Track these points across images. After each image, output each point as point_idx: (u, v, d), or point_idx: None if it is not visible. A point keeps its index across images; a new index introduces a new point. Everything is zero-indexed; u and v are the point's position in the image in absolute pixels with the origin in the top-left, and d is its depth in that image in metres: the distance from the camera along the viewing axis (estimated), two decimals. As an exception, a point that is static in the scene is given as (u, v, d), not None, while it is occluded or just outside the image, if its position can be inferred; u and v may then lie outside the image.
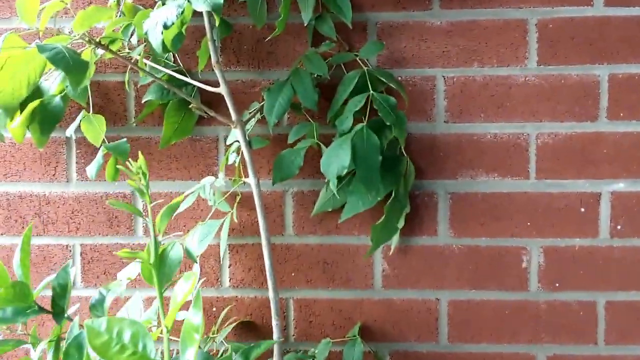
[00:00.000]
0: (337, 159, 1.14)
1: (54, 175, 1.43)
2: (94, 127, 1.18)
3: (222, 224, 1.28)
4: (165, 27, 0.99)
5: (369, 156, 1.14)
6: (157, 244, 0.92)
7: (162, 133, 1.31)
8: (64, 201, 1.43)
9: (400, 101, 1.26)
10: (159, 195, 1.41)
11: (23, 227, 1.44)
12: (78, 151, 1.43)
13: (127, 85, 1.30)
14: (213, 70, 1.23)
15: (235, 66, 1.39)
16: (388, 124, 1.17)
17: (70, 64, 0.98)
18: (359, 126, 1.18)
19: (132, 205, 1.34)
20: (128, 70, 1.31)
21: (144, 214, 0.97)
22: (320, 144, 1.27)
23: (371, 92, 1.21)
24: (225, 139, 1.40)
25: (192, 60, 1.40)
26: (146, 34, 1.01)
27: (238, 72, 1.40)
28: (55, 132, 1.40)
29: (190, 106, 1.17)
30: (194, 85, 1.29)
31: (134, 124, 1.41)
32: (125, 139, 1.20)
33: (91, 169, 1.17)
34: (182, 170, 1.41)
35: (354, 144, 1.14)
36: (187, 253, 1.21)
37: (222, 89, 1.18)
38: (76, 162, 1.43)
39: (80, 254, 1.44)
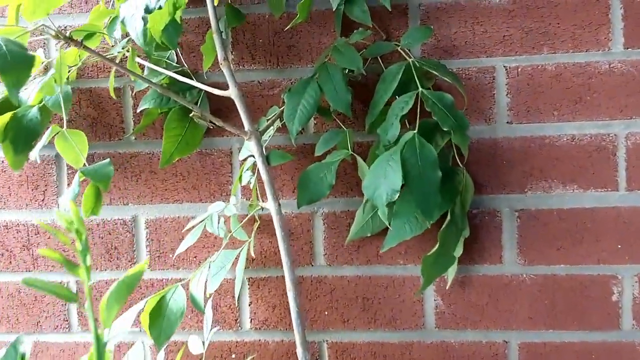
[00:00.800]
0: (385, 181, 0.84)
1: (42, 200, 1.15)
2: (71, 145, 0.89)
3: (239, 255, 0.98)
4: (148, 11, 0.71)
5: (425, 173, 0.84)
6: (100, 345, 0.60)
7: (162, 149, 1.01)
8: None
9: (458, 99, 0.94)
10: (164, 221, 1.13)
11: (10, 262, 1.16)
12: (70, 172, 1.15)
13: (111, 92, 1.02)
14: (222, 72, 0.93)
15: (249, 64, 1.09)
16: (445, 129, 0.85)
17: (7, 59, 0.69)
18: (408, 135, 0.87)
19: (64, 288, 1.04)
20: (112, 73, 1.03)
21: (79, 299, 0.63)
22: (356, 156, 0.95)
23: (420, 89, 0.89)
24: (239, 152, 1.09)
25: (200, 59, 1.10)
26: (123, 22, 0.71)
27: (252, 72, 1.10)
28: (44, 150, 1.11)
29: (191, 115, 0.87)
30: (200, 90, 0.99)
31: (133, 138, 1.12)
32: (108, 160, 0.91)
33: (64, 200, 0.88)
34: (190, 191, 1.12)
35: (404, 158, 0.83)
36: (192, 301, 0.91)
37: (231, 92, 0.89)
38: (68, 185, 1.14)
39: (76, 293, 1.14)
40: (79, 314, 1.18)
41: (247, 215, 1.09)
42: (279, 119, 1.00)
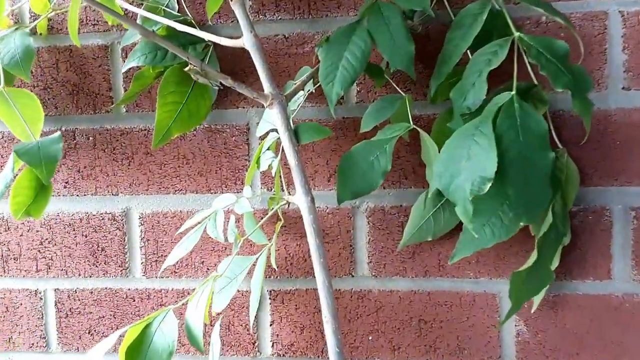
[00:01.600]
0: (469, 164, 0.54)
1: None
2: (12, 113, 0.59)
3: (255, 262, 0.68)
4: None
5: (529, 155, 0.53)
6: None
7: (156, 121, 0.71)
8: (30, 227, 0.86)
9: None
10: (162, 216, 0.84)
11: None
12: None
13: (74, 37, 0.71)
14: (235, 22, 0.63)
15: (271, 13, 0.79)
16: (559, 88, 0.53)
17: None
18: (502, 98, 0.56)
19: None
20: (74, 7, 0.72)
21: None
22: (420, 131, 0.64)
23: (517, 34, 0.57)
24: (256, 125, 0.79)
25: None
26: None
27: (276, 23, 0.80)
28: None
29: (187, 69, 0.56)
30: (207, 45, 0.68)
31: (124, 110, 0.82)
32: (58, 135, 0.62)
33: None
34: (195, 178, 0.82)
35: (499, 132, 0.52)
36: (188, 333, 0.61)
37: (245, 40, 0.60)
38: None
39: (55, 304, 0.86)
40: (59, 330, 0.89)
41: (267, 211, 0.78)
42: (311, 81, 0.68)
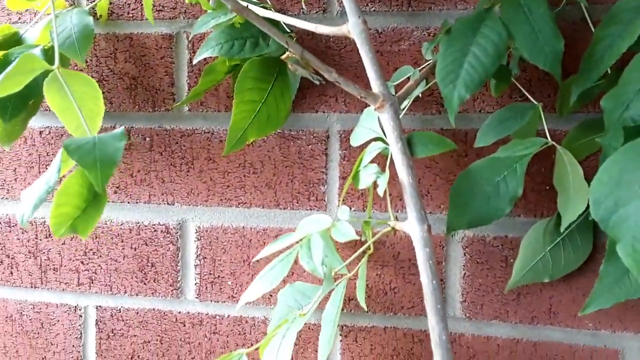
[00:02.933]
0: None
1: None
2: (67, 101, 0.44)
3: (330, 293, 0.52)
4: None
5: None
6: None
7: (231, 123, 0.55)
8: (73, 235, 0.70)
9: None
10: (222, 231, 0.70)
11: (12, 273, 0.73)
12: None
13: (148, 14, 0.57)
14: (320, 13, 0.48)
15: (363, 4, 0.63)
16: None
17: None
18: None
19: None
20: None
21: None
22: (559, 147, 0.47)
23: None
24: (341, 136, 0.63)
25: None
26: None
27: (368, 16, 0.65)
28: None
29: (284, 56, 0.40)
30: (291, 35, 0.53)
31: (187, 109, 0.67)
32: (121, 130, 0.46)
33: (24, 202, 0.43)
34: (263, 190, 0.66)
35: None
36: None
37: (351, 26, 0.44)
38: None
39: (96, 323, 0.71)
40: (99, 352, 0.74)
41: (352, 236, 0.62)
42: (424, 81, 0.52)
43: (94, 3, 0.70)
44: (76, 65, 0.74)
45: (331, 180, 0.70)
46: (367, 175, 0.51)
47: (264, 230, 0.72)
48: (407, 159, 0.48)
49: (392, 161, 0.51)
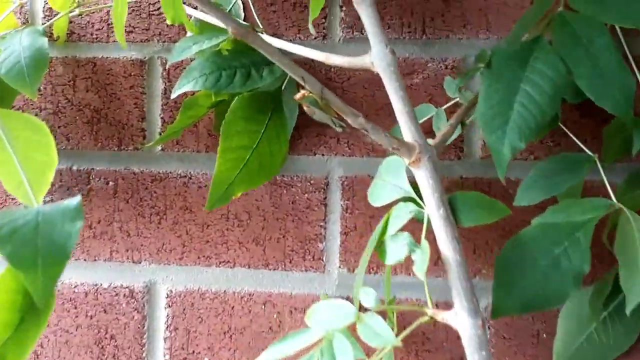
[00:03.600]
0: None
1: None
2: (5, 152, 0.32)
3: None
4: None
5: None
6: None
7: (215, 174, 0.43)
8: None
9: None
10: (199, 296, 0.58)
11: None
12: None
13: (119, 36, 0.46)
14: (319, 39, 0.37)
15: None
16: None
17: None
18: None
19: None
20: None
21: None
22: (627, 211, 0.36)
23: None
24: (343, 183, 0.52)
25: (282, 17, 0.53)
26: None
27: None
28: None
29: (297, 96, 0.29)
30: (284, 69, 0.42)
31: (159, 148, 0.54)
32: (77, 201, 0.33)
33: None
34: (249, 246, 0.54)
35: None
36: None
37: (376, 58, 0.32)
38: None
39: None
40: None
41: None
42: (459, 126, 0.42)
43: (50, 21, 0.58)
44: (26, 99, 0.61)
45: (331, 236, 0.59)
46: (398, 247, 0.39)
47: (249, 295, 0.60)
48: (452, 229, 0.37)
49: (428, 228, 0.39)
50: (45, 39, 0.49)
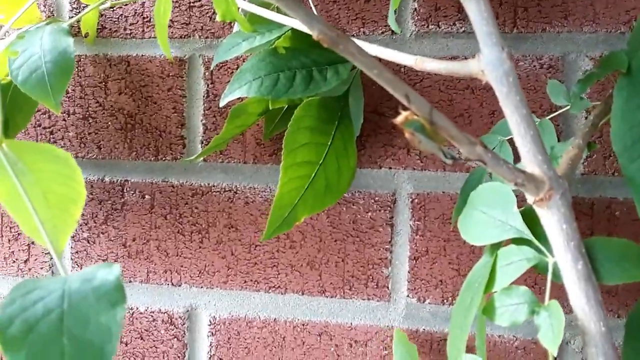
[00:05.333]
0: None
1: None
2: (13, 192, 0.23)
3: None
4: None
5: None
6: None
7: (276, 197, 0.34)
8: None
9: None
10: (245, 323, 0.49)
11: None
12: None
13: (164, 48, 0.36)
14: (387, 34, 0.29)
15: (448, 23, 0.42)
16: None
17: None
18: None
19: None
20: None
21: None
22: None
23: None
24: (413, 201, 0.43)
25: (346, 7, 0.44)
26: None
27: (444, 40, 0.42)
28: None
29: (398, 120, 0.20)
30: (354, 67, 0.33)
31: (199, 160, 0.46)
32: (116, 275, 0.25)
33: None
34: (303, 270, 0.47)
35: None
36: None
37: (489, 64, 0.23)
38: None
39: None
40: None
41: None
42: (586, 148, 0.32)
43: (77, 16, 0.50)
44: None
45: (397, 261, 0.51)
46: (512, 307, 0.30)
47: (303, 325, 0.52)
48: (595, 290, 0.28)
49: (553, 282, 0.31)
50: (71, 39, 0.41)
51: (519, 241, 0.32)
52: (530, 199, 0.30)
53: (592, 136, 0.42)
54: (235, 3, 0.35)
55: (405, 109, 0.26)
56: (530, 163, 0.29)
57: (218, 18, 0.32)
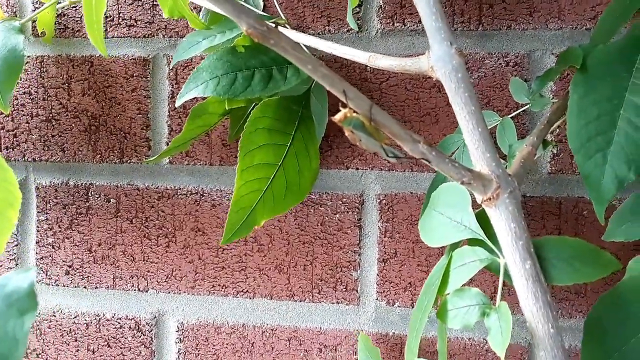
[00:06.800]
0: None
1: None
2: None
3: None
4: None
5: None
6: None
7: (232, 201, 0.33)
8: None
9: None
10: (213, 328, 0.48)
11: None
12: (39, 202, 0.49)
13: (100, 47, 0.39)
14: (351, 32, 0.29)
15: (413, 20, 0.42)
16: None
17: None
18: None
19: None
20: None
21: None
22: None
23: None
24: (381, 202, 0.43)
25: (309, 7, 0.43)
26: None
27: (420, 37, 0.42)
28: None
29: (337, 118, 0.20)
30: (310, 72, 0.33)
31: (166, 160, 0.45)
32: (29, 282, 0.22)
33: None
34: (271, 274, 0.46)
35: None
36: None
37: (438, 61, 0.25)
38: (36, 230, 0.48)
39: None
40: None
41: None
42: (552, 146, 0.32)
43: (32, 14, 0.49)
44: (17, 104, 0.52)
45: (366, 264, 0.50)
46: (465, 309, 0.30)
47: (272, 330, 0.51)
48: (543, 290, 0.27)
49: (504, 283, 0.30)
50: (21, 37, 0.40)
51: (473, 242, 0.32)
52: (478, 198, 0.29)
53: (554, 133, 0.41)
54: None
55: (344, 106, 0.25)
56: (478, 161, 0.28)
57: (165, 14, 0.31)
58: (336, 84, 0.24)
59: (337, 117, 0.24)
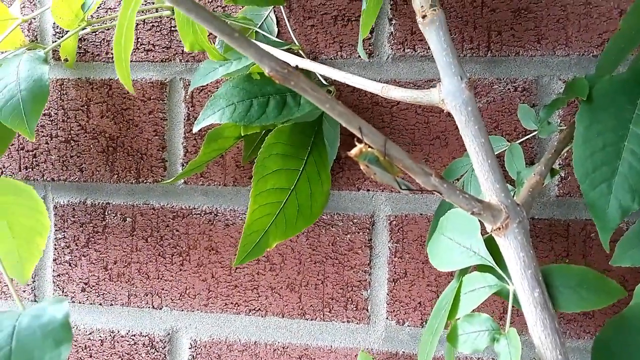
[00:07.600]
0: None
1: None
2: None
3: None
4: None
5: None
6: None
7: (246, 225, 0.34)
8: None
9: None
10: (225, 346, 0.52)
11: None
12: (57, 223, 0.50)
13: (125, 80, 0.39)
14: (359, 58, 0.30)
15: (423, 47, 0.43)
16: None
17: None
18: None
19: None
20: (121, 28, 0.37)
21: None
22: None
23: None
24: (391, 223, 0.44)
25: (323, 33, 0.44)
26: None
27: (429, 62, 0.42)
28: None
29: (353, 153, 0.22)
30: (328, 87, 0.34)
31: (181, 182, 0.46)
32: (63, 317, 0.24)
33: None
34: (283, 292, 0.47)
35: None
36: None
37: (449, 94, 0.25)
38: (54, 247, 0.49)
39: None
40: None
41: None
42: (549, 174, 0.33)
43: (56, 42, 0.51)
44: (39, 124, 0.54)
45: (377, 283, 0.51)
46: (475, 334, 0.31)
47: (283, 347, 0.52)
48: (551, 318, 0.28)
49: (514, 309, 0.31)
50: (46, 68, 0.42)
51: (482, 268, 0.33)
52: (488, 227, 0.30)
53: (562, 157, 0.42)
54: (205, 31, 0.36)
55: (359, 141, 0.26)
56: (488, 191, 0.29)
57: (186, 48, 0.33)
58: (352, 121, 0.26)
59: (353, 152, 0.26)
